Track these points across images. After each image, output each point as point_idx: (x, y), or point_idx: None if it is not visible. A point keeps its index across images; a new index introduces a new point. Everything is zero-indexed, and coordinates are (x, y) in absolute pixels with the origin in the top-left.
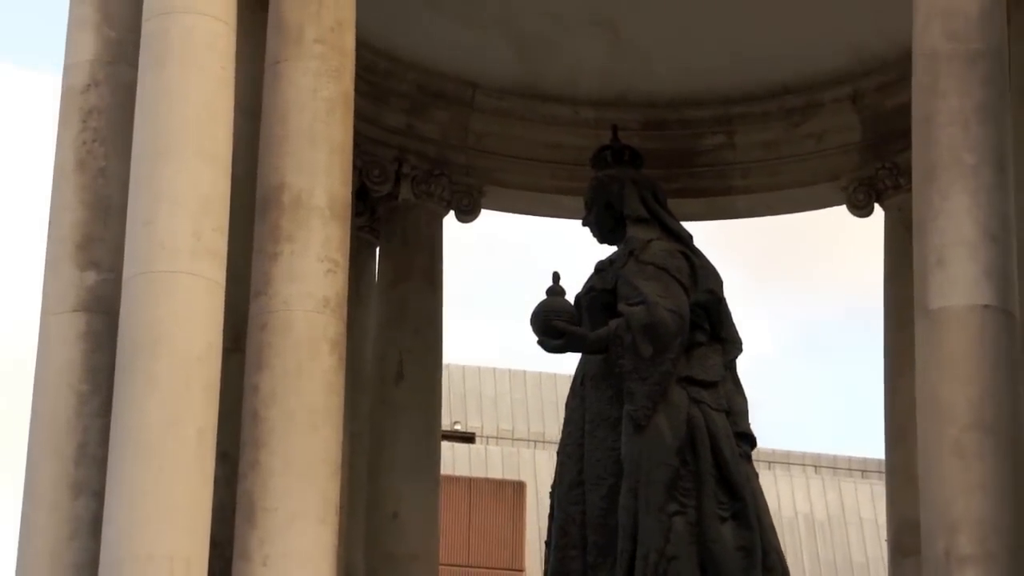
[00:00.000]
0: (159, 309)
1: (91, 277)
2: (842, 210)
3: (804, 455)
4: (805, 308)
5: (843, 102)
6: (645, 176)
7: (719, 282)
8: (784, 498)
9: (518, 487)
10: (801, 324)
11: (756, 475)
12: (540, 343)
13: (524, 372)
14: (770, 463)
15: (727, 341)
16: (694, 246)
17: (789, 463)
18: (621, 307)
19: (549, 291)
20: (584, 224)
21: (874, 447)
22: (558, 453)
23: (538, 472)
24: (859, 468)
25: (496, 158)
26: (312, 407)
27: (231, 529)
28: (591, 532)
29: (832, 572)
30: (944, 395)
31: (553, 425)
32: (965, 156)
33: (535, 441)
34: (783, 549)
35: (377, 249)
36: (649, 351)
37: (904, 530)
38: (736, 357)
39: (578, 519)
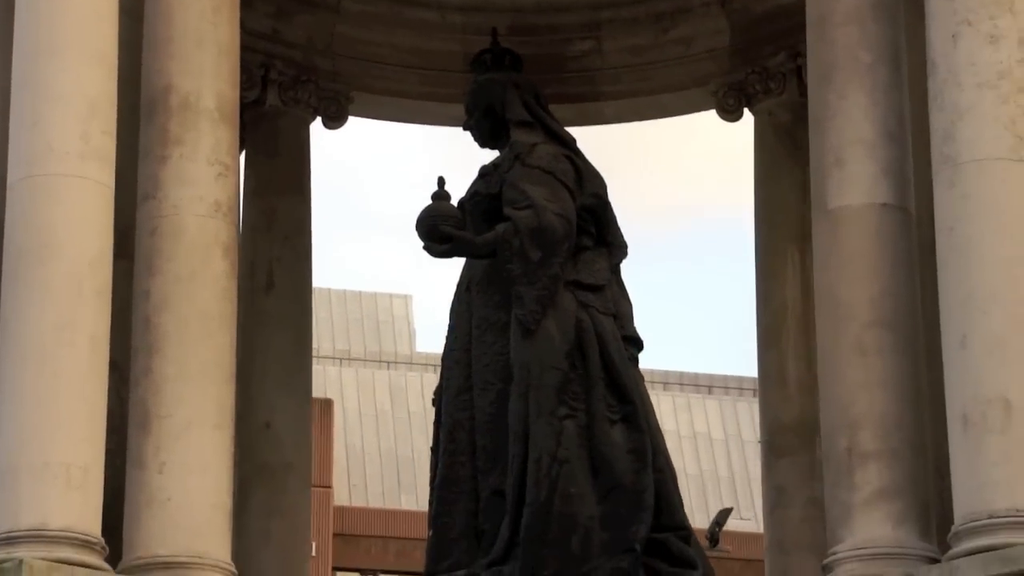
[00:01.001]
0: (48, 213)
1: None
2: (701, 115)
3: (652, 372)
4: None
5: (712, 6)
6: (526, 79)
7: (603, 185)
8: None
9: (325, 404)
10: None
11: (642, 378)
12: (426, 248)
13: (329, 290)
14: None
15: (613, 245)
16: (578, 149)
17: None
18: (508, 211)
19: (434, 196)
20: (465, 129)
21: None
22: (443, 359)
23: (344, 389)
24: (706, 384)
25: (363, 64)
26: (206, 313)
27: (121, 438)
28: (480, 437)
29: None
30: (844, 294)
31: (359, 343)
32: (861, 55)
33: (341, 359)
34: None
35: (243, 156)
36: (537, 255)
37: (777, 432)
38: (621, 261)
39: (466, 425)
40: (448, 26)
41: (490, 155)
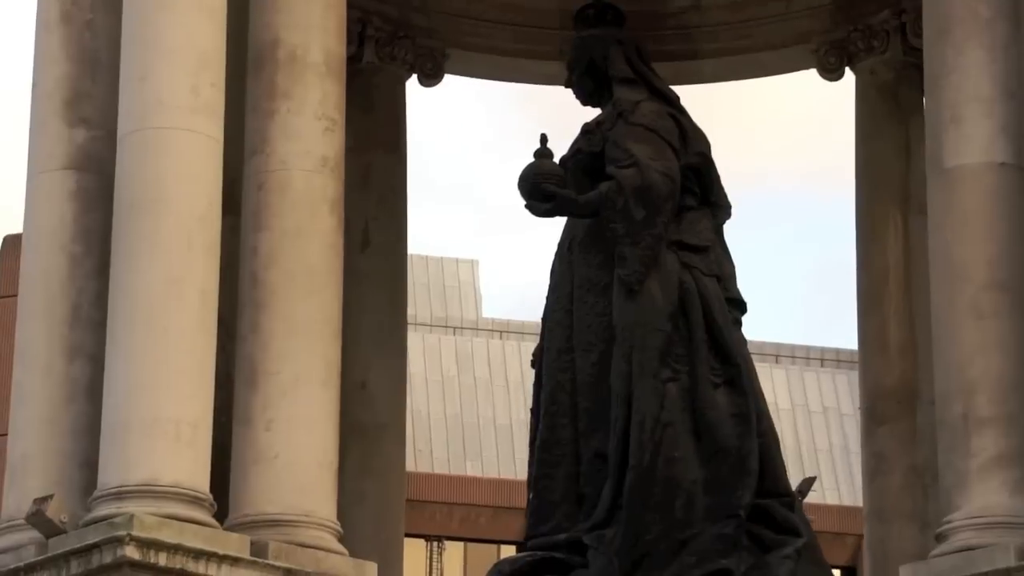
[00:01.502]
0: (158, 167)
1: (81, 135)
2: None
3: None
4: None
5: None
6: (629, 35)
7: (708, 144)
8: None
9: None
10: None
11: (745, 341)
12: (528, 207)
13: None
14: None
15: (716, 205)
16: (682, 107)
17: None
18: (611, 169)
19: (537, 153)
20: (567, 86)
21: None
22: (543, 320)
23: (411, 354)
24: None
25: (458, 20)
26: (313, 268)
27: (227, 394)
28: (582, 399)
29: None
30: (959, 254)
31: (425, 308)
32: (980, 9)
33: (408, 324)
34: None
35: None
36: (641, 214)
37: (877, 398)
38: (725, 221)
39: (568, 386)
40: None
41: (577, 116)
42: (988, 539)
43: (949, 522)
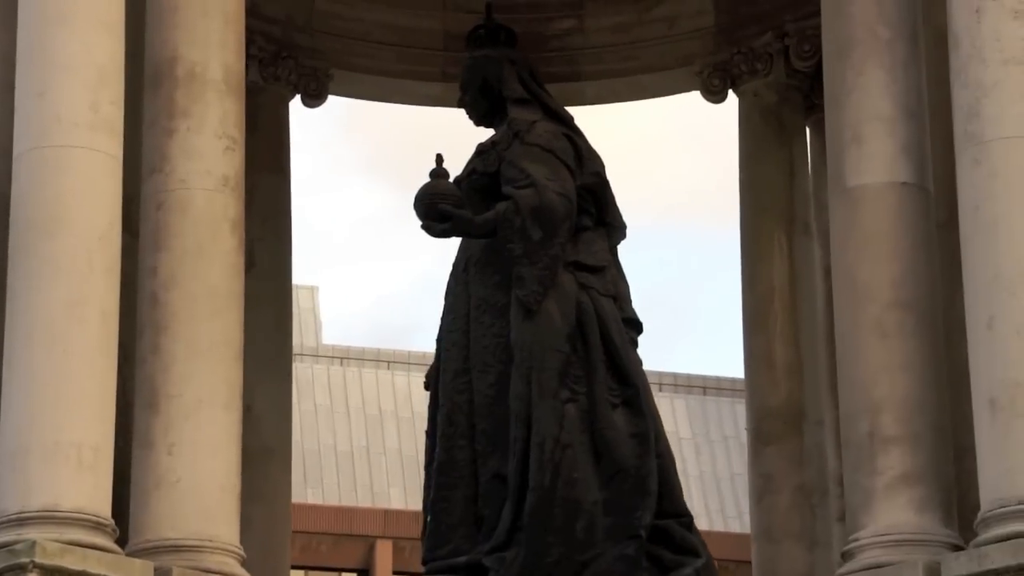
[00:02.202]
0: (57, 186)
1: None
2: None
3: None
4: None
5: None
6: (522, 56)
7: (602, 165)
8: None
9: None
10: None
11: (641, 362)
12: (424, 227)
13: None
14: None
15: (611, 226)
16: (576, 127)
17: None
18: (508, 189)
19: (433, 173)
20: (460, 106)
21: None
22: (438, 340)
23: None
24: None
25: (342, 40)
26: (214, 290)
27: (125, 418)
28: (480, 420)
29: None
30: (863, 274)
31: None
32: (880, 30)
33: None
34: None
35: None
36: (539, 235)
37: (764, 418)
38: (620, 242)
39: (465, 408)
40: (429, 3)
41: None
42: (896, 556)
43: (856, 540)
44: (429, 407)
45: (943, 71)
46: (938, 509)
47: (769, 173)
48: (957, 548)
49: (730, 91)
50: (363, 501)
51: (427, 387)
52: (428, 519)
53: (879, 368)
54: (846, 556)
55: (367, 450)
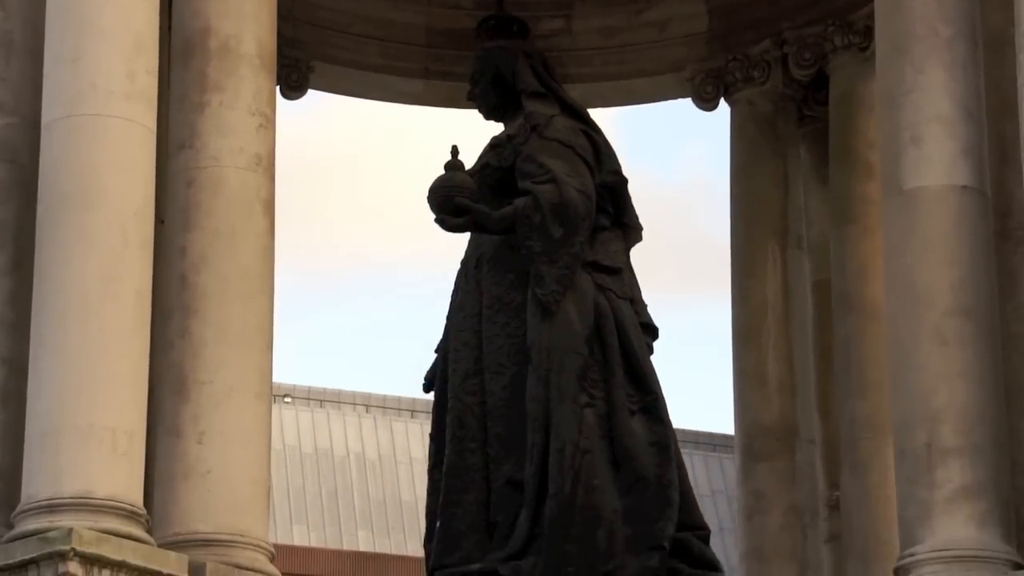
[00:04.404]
0: (92, 156)
1: None
2: None
3: (355, 394)
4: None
5: None
6: (536, 49)
7: (619, 163)
8: (336, 437)
9: None
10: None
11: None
12: (438, 220)
13: None
14: (321, 402)
15: (628, 226)
16: (594, 123)
17: (340, 402)
18: (526, 184)
19: (448, 165)
20: (469, 98)
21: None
22: (444, 340)
23: None
24: (408, 408)
25: (324, 32)
26: (247, 272)
27: (152, 404)
28: (492, 423)
29: (382, 510)
30: (921, 279)
31: None
32: (940, 27)
33: None
34: (334, 489)
35: None
36: (559, 232)
37: (756, 435)
38: (635, 244)
39: (477, 410)
40: None
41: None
42: (956, 573)
43: (912, 555)
44: (433, 409)
45: (994, 74)
46: (999, 525)
47: (763, 185)
48: (1018, 567)
49: (721, 99)
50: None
51: (427, 389)
52: (437, 523)
53: (938, 376)
54: (900, 572)
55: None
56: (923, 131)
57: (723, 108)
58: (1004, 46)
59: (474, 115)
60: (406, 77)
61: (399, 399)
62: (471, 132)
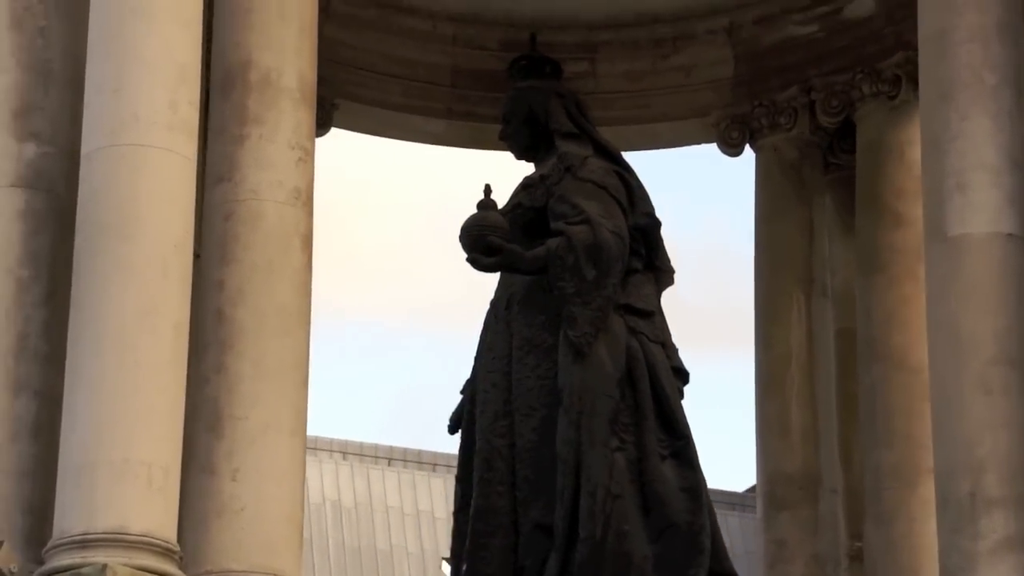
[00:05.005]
0: (133, 187)
1: (31, 150)
2: None
3: (332, 441)
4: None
5: (717, 34)
6: (569, 89)
7: (652, 206)
8: (312, 484)
9: None
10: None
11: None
12: (470, 260)
13: None
14: None
15: (660, 270)
16: (628, 165)
17: (317, 449)
18: (559, 225)
19: (480, 204)
20: (501, 138)
21: (403, 436)
22: (472, 380)
23: None
24: (386, 456)
25: (348, 69)
26: (284, 307)
27: (187, 439)
28: (521, 466)
29: (357, 559)
30: (966, 327)
31: None
32: (986, 75)
33: None
34: (309, 537)
35: None
36: (593, 274)
37: (777, 483)
38: (667, 288)
39: (505, 452)
40: (439, 37)
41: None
42: None
43: None
44: (460, 450)
45: None
46: None
47: (788, 232)
48: None
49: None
50: None
51: (452, 431)
52: (464, 567)
53: (982, 425)
54: None
55: None
56: (968, 178)
57: (748, 154)
58: None
59: (483, 155)
60: (429, 117)
61: (376, 447)
62: (474, 173)
